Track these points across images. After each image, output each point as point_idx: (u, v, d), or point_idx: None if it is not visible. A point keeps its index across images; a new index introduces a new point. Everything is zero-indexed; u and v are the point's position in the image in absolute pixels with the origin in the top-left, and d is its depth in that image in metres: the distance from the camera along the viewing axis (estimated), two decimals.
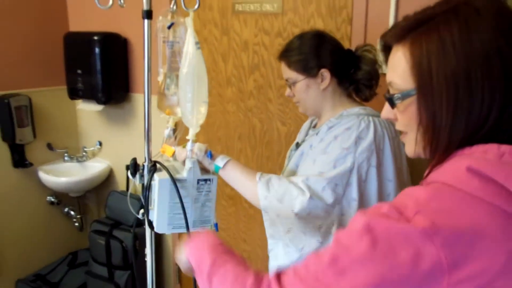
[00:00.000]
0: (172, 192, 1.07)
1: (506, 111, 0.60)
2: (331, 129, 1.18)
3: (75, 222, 2.68)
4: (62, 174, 2.45)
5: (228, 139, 2.11)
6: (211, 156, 1.12)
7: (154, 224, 1.11)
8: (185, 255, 0.87)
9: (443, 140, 0.63)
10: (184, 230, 1.10)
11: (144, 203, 1.10)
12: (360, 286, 0.57)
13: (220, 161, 1.13)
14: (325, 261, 0.60)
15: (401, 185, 1.19)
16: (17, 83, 2.32)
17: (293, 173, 1.24)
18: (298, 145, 1.35)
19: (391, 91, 0.69)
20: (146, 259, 1.23)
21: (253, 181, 1.12)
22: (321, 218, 1.11)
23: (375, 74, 1.23)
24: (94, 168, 2.56)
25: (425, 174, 0.67)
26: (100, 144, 2.61)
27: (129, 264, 2.27)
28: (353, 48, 1.27)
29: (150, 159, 1.13)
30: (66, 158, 2.57)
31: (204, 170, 1.13)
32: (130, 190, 1.05)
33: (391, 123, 1.15)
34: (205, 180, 1.11)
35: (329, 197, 1.08)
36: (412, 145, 0.69)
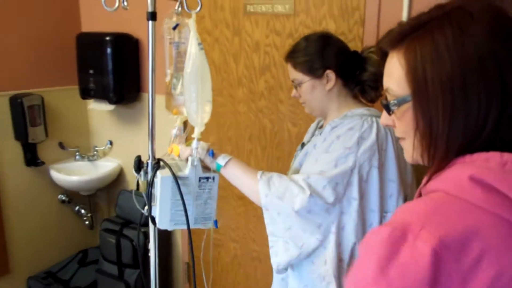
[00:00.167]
0: (174, 189, 1.10)
1: (505, 115, 0.59)
2: (334, 129, 1.19)
3: (85, 220, 2.70)
4: (73, 173, 2.48)
5: (239, 140, 2.12)
6: (213, 155, 1.15)
7: (157, 220, 1.14)
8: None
9: (441, 146, 0.62)
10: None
11: (146, 199, 1.13)
12: None
13: (221, 160, 1.15)
14: None
15: (404, 186, 1.19)
16: (30, 83, 2.34)
17: (297, 172, 1.25)
18: (303, 145, 1.37)
19: (388, 98, 0.69)
20: (149, 254, 1.25)
21: (254, 179, 1.14)
22: (321, 216, 1.12)
23: (380, 76, 1.23)
24: (105, 167, 2.58)
25: (423, 181, 0.67)
26: (111, 143, 2.63)
27: (139, 262, 2.29)
28: None
29: (154, 157, 1.16)
30: (77, 157, 2.60)
31: (206, 168, 1.16)
32: (137, 188, 1.07)
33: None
34: (207, 178, 1.13)
35: (329, 196, 1.09)
36: (410, 151, 0.69)
